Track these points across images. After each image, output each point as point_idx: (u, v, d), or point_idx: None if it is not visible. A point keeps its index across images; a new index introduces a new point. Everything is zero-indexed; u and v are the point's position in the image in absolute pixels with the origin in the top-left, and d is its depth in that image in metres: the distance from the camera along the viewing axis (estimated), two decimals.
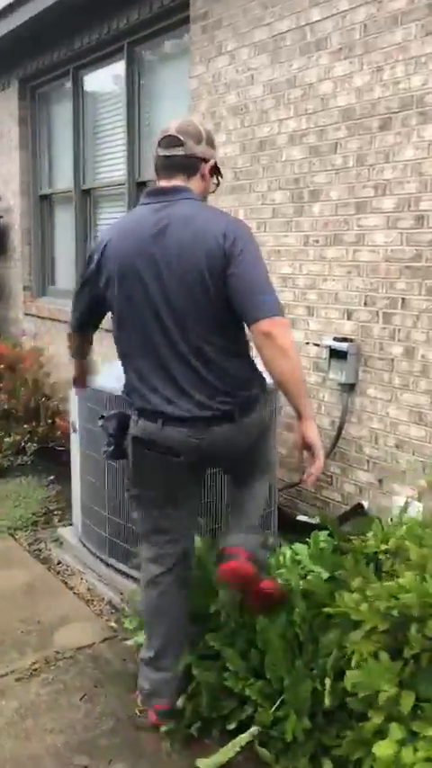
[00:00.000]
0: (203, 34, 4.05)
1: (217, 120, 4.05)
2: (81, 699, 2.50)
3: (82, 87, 5.61)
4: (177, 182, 2.14)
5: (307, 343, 3.19)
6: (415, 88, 2.91)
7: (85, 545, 3.43)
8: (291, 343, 2.00)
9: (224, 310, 2.05)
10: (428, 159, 2.90)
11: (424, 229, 2.94)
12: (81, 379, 2.72)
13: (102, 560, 3.26)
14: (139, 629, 2.58)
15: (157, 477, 2.18)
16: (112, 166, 5.31)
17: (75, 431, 3.39)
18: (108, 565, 3.21)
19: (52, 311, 5.94)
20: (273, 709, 2.08)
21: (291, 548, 2.59)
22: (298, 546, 2.58)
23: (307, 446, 2.11)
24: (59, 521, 4.09)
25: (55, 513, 4.21)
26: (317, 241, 3.46)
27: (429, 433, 2.97)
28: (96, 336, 2.60)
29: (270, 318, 1.96)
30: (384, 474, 3.17)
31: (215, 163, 2.23)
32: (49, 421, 5.24)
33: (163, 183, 2.17)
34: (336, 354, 3.30)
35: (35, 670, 2.66)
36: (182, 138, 2.11)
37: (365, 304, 3.22)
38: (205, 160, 2.18)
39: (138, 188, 4.95)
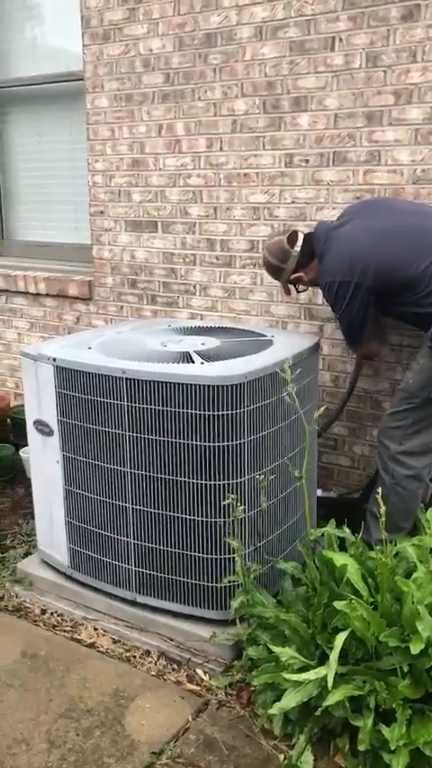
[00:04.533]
0: None
1: (132, 6, 3.14)
2: None
3: None
4: None
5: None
6: None
7: (81, 583, 2.49)
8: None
9: None
10: None
11: None
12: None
13: (124, 600, 2.38)
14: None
15: None
16: None
17: (47, 433, 2.40)
18: (137, 604, 2.34)
19: None
20: None
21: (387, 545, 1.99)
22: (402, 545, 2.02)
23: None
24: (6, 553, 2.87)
25: None
26: (306, 161, 2.85)
27: None
28: None
29: None
30: None
31: None
32: None
33: None
34: None
35: None
36: None
37: None
38: None
39: None
